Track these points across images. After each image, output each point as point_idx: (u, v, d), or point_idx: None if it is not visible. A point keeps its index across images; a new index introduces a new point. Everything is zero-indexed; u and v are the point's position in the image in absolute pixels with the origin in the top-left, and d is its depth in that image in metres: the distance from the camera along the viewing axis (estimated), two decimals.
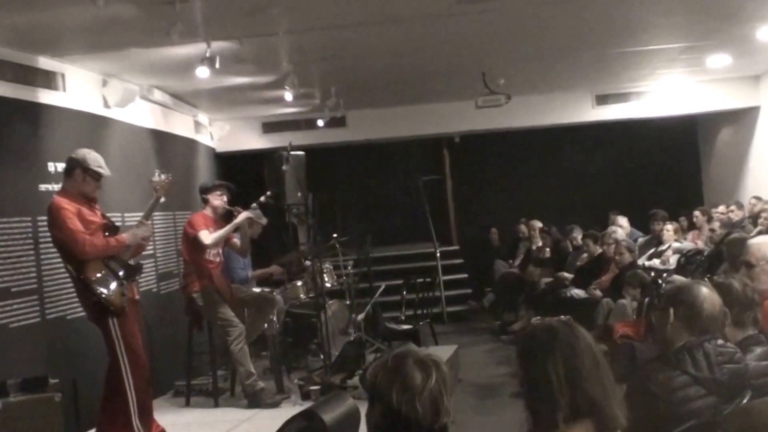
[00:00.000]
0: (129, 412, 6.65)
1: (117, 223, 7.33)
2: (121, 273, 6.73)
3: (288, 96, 10.31)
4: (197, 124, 12.73)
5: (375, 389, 2.84)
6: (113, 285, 6.62)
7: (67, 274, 7.05)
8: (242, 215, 8.86)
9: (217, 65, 8.03)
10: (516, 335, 12.89)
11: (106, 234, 6.78)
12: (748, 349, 4.30)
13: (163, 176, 7.30)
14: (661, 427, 3.63)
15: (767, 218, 10.80)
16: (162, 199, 7.34)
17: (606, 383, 3.02)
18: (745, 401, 3.95)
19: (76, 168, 6.70)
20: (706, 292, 4.14)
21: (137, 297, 7.10)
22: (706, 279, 5.18)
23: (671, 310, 4.13)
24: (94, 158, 6.76)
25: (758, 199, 12.89)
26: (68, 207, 6.58)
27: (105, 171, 6.82)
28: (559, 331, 3.09)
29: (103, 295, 6.53)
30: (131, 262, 6.93)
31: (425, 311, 12.73)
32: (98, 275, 6.58)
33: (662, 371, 3.96)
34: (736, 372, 3.96)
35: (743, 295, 4.55)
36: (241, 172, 12.66)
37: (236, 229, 8.95)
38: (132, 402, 6.64)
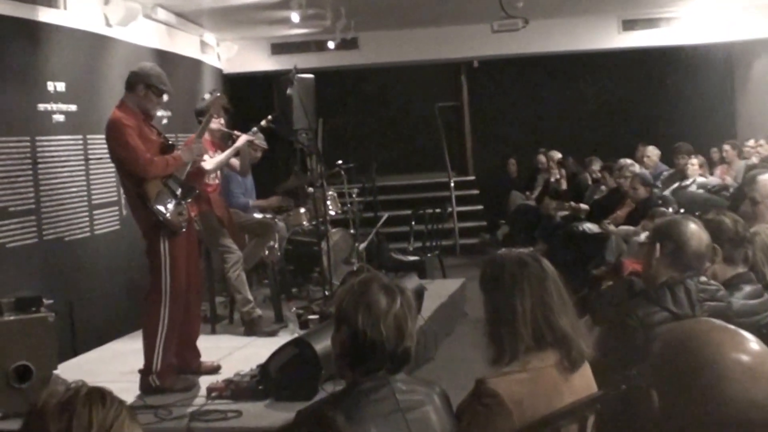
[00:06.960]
0: (154, 345, 6.44)
1: None
2: (178, 192, 6.53)
3: (294, 17, 10.08)
4: (203, 44, 12.54)
5: (341, 313, 2.94)
6: (171, 204, 6.44)
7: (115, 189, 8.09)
8: (242, 139, 8.65)
9: None
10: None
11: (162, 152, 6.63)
12: (737, 287, 4.32)
13: (212, 94, 7.65)
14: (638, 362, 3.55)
15: None
16: (214, 116, 7.48)
17: (572, 317, 3.21)
18: None
19: (138, 83, 6.50)
20: (693, 228, 4.08)
21: (194, 215, 7.06)
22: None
23: (657, 246, 4.09)
24: (157, 74, 6.58)
25: None
26: (129, 123, 6.38)
27: (168, 88, 6.67)
28: (528, 265, 3.23)
29: (162, 215, 6.37)
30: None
31: (434, 243, 12.58)
32: (156, 194, 6.40)
33: (642, 307, 3.93)
34: (716, 310, 3.87)
35: (734, 232, 4.50)
36: (249, 95, 12.40)
37: (236, 153, 8.79)
38: (161, 335, 6.41)
